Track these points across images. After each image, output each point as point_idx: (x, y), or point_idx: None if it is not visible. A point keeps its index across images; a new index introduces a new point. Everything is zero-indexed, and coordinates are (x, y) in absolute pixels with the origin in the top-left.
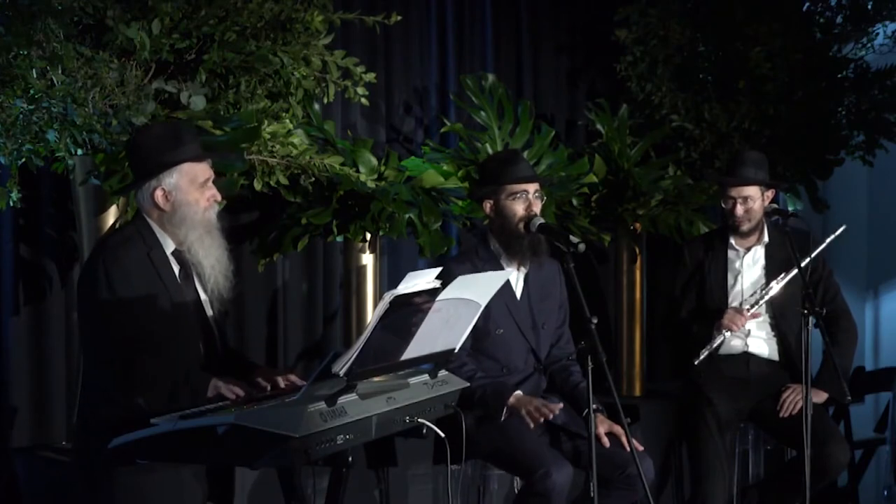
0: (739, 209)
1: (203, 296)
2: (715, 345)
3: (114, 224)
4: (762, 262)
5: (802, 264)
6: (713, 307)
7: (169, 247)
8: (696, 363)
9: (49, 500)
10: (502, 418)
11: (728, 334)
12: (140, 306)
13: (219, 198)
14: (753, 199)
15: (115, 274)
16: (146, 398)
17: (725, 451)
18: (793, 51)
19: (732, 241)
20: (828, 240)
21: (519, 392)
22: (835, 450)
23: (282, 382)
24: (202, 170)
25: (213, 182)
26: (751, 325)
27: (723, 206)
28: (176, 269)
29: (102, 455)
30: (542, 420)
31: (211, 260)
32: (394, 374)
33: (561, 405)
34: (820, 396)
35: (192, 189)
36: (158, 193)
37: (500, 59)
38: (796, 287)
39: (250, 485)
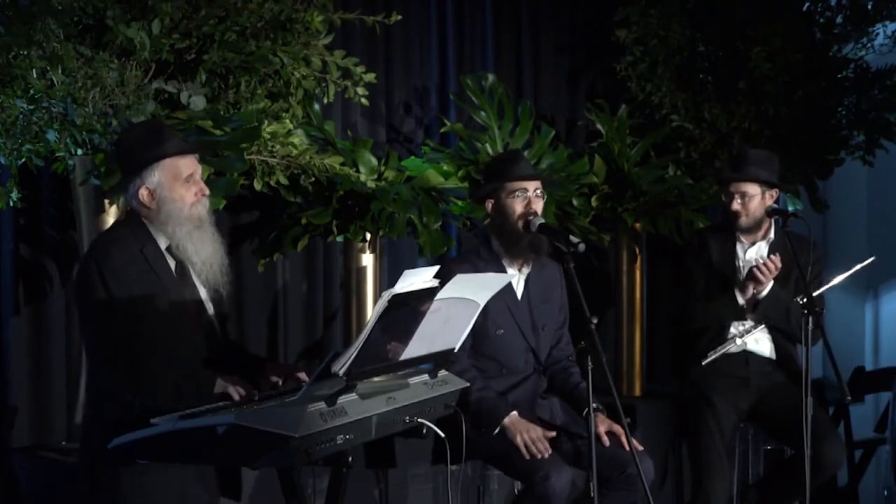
0: (735, 204)
1: (202, 292)
2: (724, 350)
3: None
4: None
5: (823, 289)
6: (717, 299)
7: (163, 243)
8: (703, 364)
9: (49, 500)
10: (494, 433)
11: (739, 341)
12: (137, 304)
13: (206, 191)
14: (751, 196)
15: (109, 273)
16: (152, 396)
17: (725, 451)
18: (793, 51)
19: (738, 234)
20: (854, 269)
21: (514, 413)
22: (830, 448)
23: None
24: (186, 164)
25: (212, 184)
26: (750, 324)
27: (723, 199)
28: (172, 264)
29: (106, 455)
30: (538, 456)
31: (203, 255)
32: (394, 374)
33: (553, 434)
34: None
35: (176, 185)
36: (143, 192)
37: (500, 59)
38: (796, 287)
39: (250, 485)
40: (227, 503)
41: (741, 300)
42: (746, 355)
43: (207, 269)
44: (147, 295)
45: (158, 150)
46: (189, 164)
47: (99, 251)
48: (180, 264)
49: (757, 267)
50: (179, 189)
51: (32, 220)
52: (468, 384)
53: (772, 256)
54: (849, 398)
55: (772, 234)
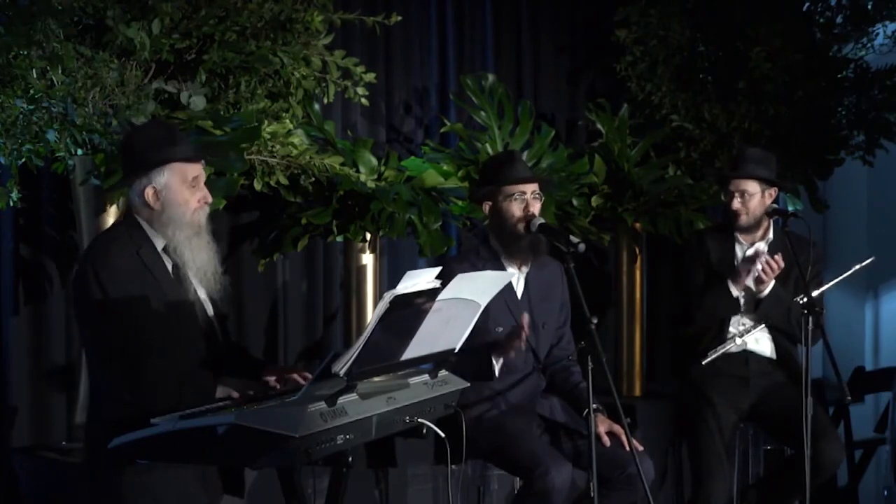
0: (736, 203)
1: (201, 292)
2: (724, 350)
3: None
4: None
5: (822, 289)
6: (716, 299)
7: (159, 244)
8: (703, 363)
9: (49, 500)
10: (496, 374)
11: (739, 341)
12: (134, 305)
13: (209, 199)
14: (751, 194)
15: (105, 274)
16: (152, 398)
17: (725, 451)
18: (793, 51)
19: (737, 234)
20: (853, 269)
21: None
22: (828, 447)
23: (298, 378)
24: (194, 170)
25: (212, 184)
26: (750, 324)
27: (723, 199)
28: (169, 265)
29: (107, 455)
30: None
31: (198, 262)
32: (394, 374)
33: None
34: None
35: (182, 189)
36: (149, 192)
37: (500, 59)
38: (796, 286)
39: (250, 485)
40: (229, 502)
41: (735, 291)
42: (746, 355)
43: (202, 276)
44: (144, 295)
45: (170, 153)
46: (197, 170)
47: (95, 252)
48: (177, 265)
49: (760, 265)
50: (185, 193)
51: (32, 220)
52: (468, 384)
53: (775, 256)
54: (849, 398)
55: (770, 235)
